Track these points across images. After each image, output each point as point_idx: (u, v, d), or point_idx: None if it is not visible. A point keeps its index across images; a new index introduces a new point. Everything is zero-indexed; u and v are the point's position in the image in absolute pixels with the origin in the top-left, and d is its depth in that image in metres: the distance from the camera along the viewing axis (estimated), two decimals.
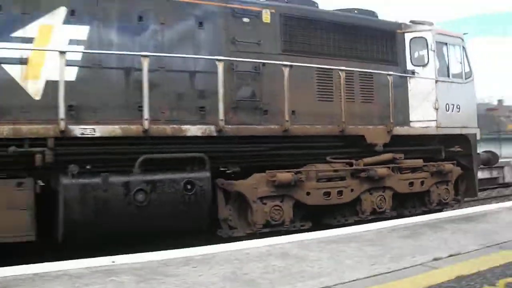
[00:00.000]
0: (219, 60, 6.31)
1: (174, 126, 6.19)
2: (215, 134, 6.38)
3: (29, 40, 5.60)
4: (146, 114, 5.80)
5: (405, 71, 8.57)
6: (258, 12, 7.10)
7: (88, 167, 5.68)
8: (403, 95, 8.47)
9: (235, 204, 6.92)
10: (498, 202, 11.02)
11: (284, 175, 6.80)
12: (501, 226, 5.66)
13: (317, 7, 8.21)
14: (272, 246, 4.75)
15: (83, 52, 5.83)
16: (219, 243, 5.10)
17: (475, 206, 8.35)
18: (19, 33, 5.54)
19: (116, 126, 5.81)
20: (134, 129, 5.87)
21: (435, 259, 4.09)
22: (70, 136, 5.54)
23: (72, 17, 5.83)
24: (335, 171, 7.46)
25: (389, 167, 7.87)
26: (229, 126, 6.47)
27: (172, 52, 6.35)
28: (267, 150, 6.90)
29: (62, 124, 5.38)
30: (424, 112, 8.54)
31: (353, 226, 6.06)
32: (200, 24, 6.69)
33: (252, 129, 6.78)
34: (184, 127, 6.23)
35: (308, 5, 7.97)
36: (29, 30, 5.58)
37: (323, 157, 7.47)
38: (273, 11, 7.21)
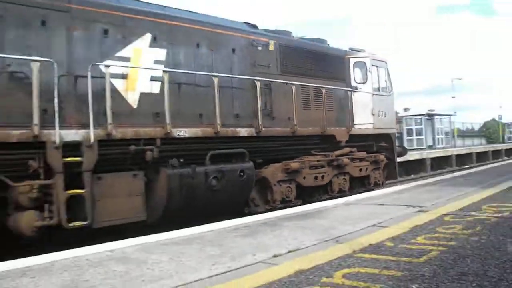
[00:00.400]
0: (257, 80, 9.70)
1: (232, 128, 9.29)
2: (254, 134, 9.68)
3: (127, 59, 7.83)
4: (218, 119, 8.77)
5: (350, 87, 12.56)
6: (267, 43, 10.44)
7: (181, 160, 8.28)
8: (349, 105, 12.49)
9: (257, 187, 9.97)
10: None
11: (295, 164, 10.40)
12: (337, 221, 6.54)
13: (328, 44, 12.69)
14: (112, 251, 5.02)
15: (182, 72, 8.54)
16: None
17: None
18: (120, 54, 7.75)
19: (198, 129, 8.64)
20: (209, 131, 8.76)
21: (275, 256, 4.59)
22: (171, 137, 8.07)
23: (154, 42, 8.23)
24: (318, 161, 11.23)
25: (348, 158, 11.95)
26: (264, 128, 9.77)
27: (218, 73, 9.03)
28: (280, 146, 10.47)
29: (168, 127, 7.96)
30: (364, 117, 12.65)
31: (193, 227, 6.39)
32: (233, 51, 9.70)
33: (274, 131, 10.21)
34: (238, 129, 9.38)
35: (319, 43, 12.31)
36: (126, 51, 7.83)
37: (309, 151, 11.31)
38: (275, 41, 10.57)
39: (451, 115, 44.31)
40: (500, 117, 58.95)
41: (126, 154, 7.59)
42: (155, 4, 8.77)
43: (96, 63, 7.21)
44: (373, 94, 12.88)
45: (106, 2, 7.78)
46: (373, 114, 12.80)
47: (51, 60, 6.59)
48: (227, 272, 4.07)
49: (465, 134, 49.57)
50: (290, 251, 4.76)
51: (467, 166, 29.05)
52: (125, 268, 4.28)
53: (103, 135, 7.26)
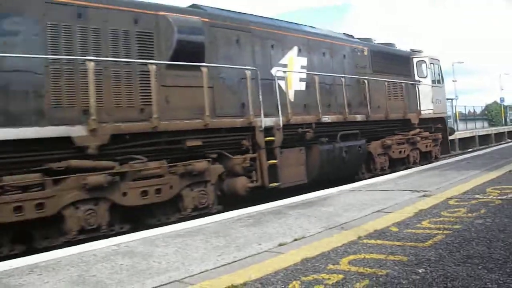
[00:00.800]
0: (365, 79, 12.89)
1: (352, 115, 12.22)
2: (365, 119, 12.82)
3: (285, 65, 10.62)
4: (346, 108, 11.91)
5: (414, 81, 15.63)
6: (363, 49, 13.46)
7: (326, 139, 11.31)
8: (416, 95, 15.37)
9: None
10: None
11: (389, 141, 13.70)
12: (342, 208, 6.57)
13: (395, 46, 15.90)
14: (118, 245, 5.04)
15: (323, 75, 11.59)
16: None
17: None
18: (281, 61, 10.59)
19: (334, 116, 11.72)
20: (341, 117, 11.84)
21: (281, 245, 4.62)
22: (320, 122, 11.04)
23: (299, 53, 11.09)
24: (401, 139, 14.35)
25: (420, 136, 15.03)
26: (372, 115, 13.04)
27: (336, 73, 12.05)
28: (377, 128, 13.65)
29: (320, 115, 11.00)
30: (426, 105, 15.72)
31: (198, 219, 6.43)
32: (344, 56, 12.69)
33: (376, 116, 13.25)
34: (355, 115, 12.49)
35: (390, 46, 15.54)
36: (284, 60, 10.69)
37: (394, 131, 14.36)
38: (368, 48, 13.66)
39: (453, 99, 44.23)
40: (502, 99, 58.76)
41: (294, 135, 10.61)
42: (295, 23, 12.08)
43: (277, 68, 10.43)
44: (432, 86, 16.14)
45: (272, 23, 11.01)
46: (432, 102, 16.06)
47: (255, 68, 9.49)
48: (233, 262, 4.10)
49: (467, 117, 49.51)
50: (295, 240, 4.79)
51: (470, 150, 29.04)
52: (131, 262, 4.31)
53: (285, 121, 10.13)
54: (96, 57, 7.21)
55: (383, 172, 12.99)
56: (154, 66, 7.73)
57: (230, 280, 3.55)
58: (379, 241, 4.46)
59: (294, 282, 3.43)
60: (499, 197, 6.38)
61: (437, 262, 3.63)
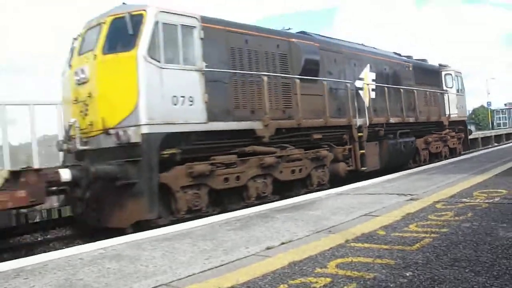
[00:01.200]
0: (416, 89, 16.36)
1: (405, 118, 15.45)
2: (414, 121, 16.12)
3: (362, 79, 13.45)
4: (404, 113, 15.30)
5: (443, 90, 18.95)
6: (408, 65, 16.58)
7: (392, 135, 14.42)
8: (445, 102, 18.81)
9: None
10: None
11: (430, 139, 17.22)
12: (330, 211, 6.60)
13: (427, 62, 19.35)
14: (105, 249, 5.03)
15: (389, 86, 15.03)
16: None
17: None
18: (360, 76, 13.40)
19: (396, 118, 14.88)
20: (400, 119, 14.91)
21: (268, 248, 4.62)
22: (388, 122, 14.16)
23: (370, 69, 13.90)
24: (436, 137, 17.80)
25: (449, 135, 18.67)
26: (419, 117, 16.54)
27: (393, 85, 15.26)
28: (421, 128, 16.97)
29: (389, 117, 14.20)
30: (452, 110, 19.12)
31: (185, 223, 6.42)
32: (395, 72, 15.55)
33: (422, 118, 16.66)
34: (408, 118, 15.55)
35: (424, 62, 18.90)
36: (362, 74, 13.48)
37: (431, 131, 17.56)
38: (412, 64, 16.87)
39: None
40: (489, 103, 59.46)
41: (371, 132, 13.49)
42: (366, 45, 15.30)
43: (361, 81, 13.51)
44: (456, 94, 19.71)
45: (354, 46, 14.20)
46: (457, 108, 19.62)
47: (351, 81, 12.90)
48: (220, 266, 4.09)
49: None
50: (283, 243, 4.79)
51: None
52: (118, 266, 4.29)
53: (369, 121, 13.24)
54: (253, 71, 9.90)
55: (426, 163, 16.24)
56: (298, 80, 10.89)
57: (218, 284, 3.55)
58: (366, 245, 4.48)
59: (281, 286, 3.43)
60: (486, 201, 6.45)
61: (425, 266, 3.66)
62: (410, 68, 16.55)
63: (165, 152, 8.00)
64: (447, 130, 18.60)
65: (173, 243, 5.14)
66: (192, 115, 8.48)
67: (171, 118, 8.13)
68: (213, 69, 8.89)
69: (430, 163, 15.35)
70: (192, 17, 8.86)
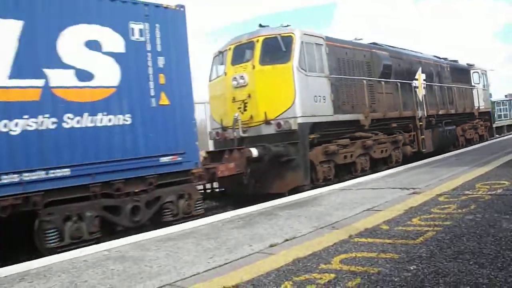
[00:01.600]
0: (455, 86, 19.73)
1: (449, 110, 18.58)
2: (455, 112, 19.18)
3: (416, 79, 16.20)
4: (448, 105, 18.72)
5: (471, 86, 22.01)
6: (447, 66, 19.53)
7: (440, 124, 17.67)
8: (474, 96, 21.91)
9: None
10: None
11: (465, 127, 20.51)
12: (332, 207, 6.60)
13: (459, 62, 21.96)
14: (109, 250, 5.04)
15: (438, 85, 18.38)
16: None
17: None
18: (416, 77, 16.13)
19: (443, 110, 18.08)
20: (445, 111, 18.27)
21: (272, 246, 4.63)
22: (438, 114, 17.38)
23: (422, 70, 16.61)
24: (469, 125, 20.96)
25: (478, 124, 21.91)
26: (458, 109, 19.79)
27: (437, 84, 18.44)
28: (457, 118, 19.62)
29: (438, 109, 17.58)
30: (479, 103, 22.11)
31: (188, 222, 6.43)
32: (438, 72, 18.45)
33: (460, 110, 19.75)
34: (450, 110, 18.80)
35: (456, 62, 21.54)
36: (416, 75, 16.17)
37: (465, 121, 20.59)
38: (449, 65, 19.84)
39: None
40: (490, 95, 59.29)
41: (426, 122, 16.11)
42: (417, 51, 17.96)
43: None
44: (482, 89, 22.90)
45: (409, 53, 16.87)
46: (483, 101, 22.82)
47: (412, 81, 15.85)
48: (225, 264, 4.10)
49: None
50: (286, 240, 4.80)
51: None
52: (122, 267, 4.30)
53: (426, 113, 16.21)
54: (347, 75, 12.44)
55: (462, 147, 18.94)
56: (383, 82, 13.94)
57: (222, 282, 3.55)
58: (370, 240, 4.48)
59: (286, 283, 3.43)
60: (488, 193, 6.44)
61: (429, 259, 3.66)
62: (448, 69, 19.62)
63: (310, 136, 10.79)
64: (477, 120, 21.88)
65: (177, 242, 5.15)
66: (325, 110, 11.38)
67: (314, 112, 10.95)
68: (334, 76, 11.84)
69: (467, 146, 18.93)
70: (320, 37, 11.81)
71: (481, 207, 5.51)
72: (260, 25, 11.73)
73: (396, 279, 3.28)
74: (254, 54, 10.96)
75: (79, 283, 3.90)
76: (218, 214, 6.94)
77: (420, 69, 16.61)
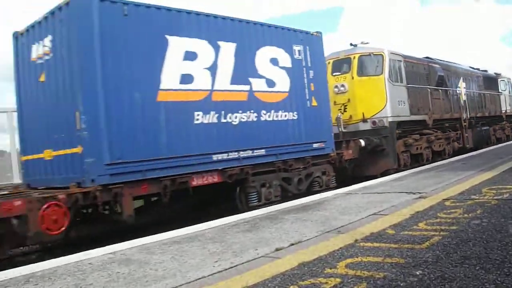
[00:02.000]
0: (489, 94, 23.74)
1: (484, 113, 22.18)
2: (488, 115, 22.71)
3: (459, 87, 19.60)
4: (484, 108, 22.51)
5: (498, 92, 25.33)
6: (480, 76, 22.95)
7: (477, 125, 20.89)
8: (501, 101, 25.37)
9: None
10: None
11: (495, 128, 23.70)
12: (338, 211, 6.58)
13: (488, 72, 25.08)
14: (114, 253, 5.05)
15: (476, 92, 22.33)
16: None
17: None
18: (459, 85, 19.58)
19: (480, 113, 21.49)
20: (482, 114, 21.91)
21: (277, 250, 4.62)
22: (476, 116, 20.87)
23: (463, 80, 19.98)
24: (498, 126, 24.17)
25: (506, 125, 25.46)
26: (489, 112, 23.39)
27: (475, 91, 22.08)
28: (489, 120, 22.82)
29: (477, 112, 21.11)
30: (505, 107, 25.62)
31: (194, 226, 6.42)
32: (474, 80, 21.90)
33: (492, 112, 23.44)
34: (485, 113, 22.41)
35: (486, 72, 24.70)
36: (459, 84, 19.49)
37: (496, 123, 23.88)
38: (483, 75, 23.31)
39: None
40: None
41: (465, 122, 18.87)
42: (457, 63, 20.94)
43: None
44: (509, 95, 26.33)
45: (453, 65, 19.93)
46: (509, 105, 26.20)
47: (456, 89, 19.16)
48: (230, 268, 4.09)
49: None
50: (292, 244, 4.79)
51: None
52: (128, 270, 4.31)
53: (468, 115, 19.48)
54: (415, 85, 15.24)
55: (493, 144, 21.73)
56: (440, 90, 17.33)
57: (227, 286, 3.55)
58: (376, 244, 4.46)
59: (291, 287, 3.43)
60: (495, 197, 6.41)
61: (435, 264, 3.64)
62: (480, 77, 22.73)
63: (396, 132, 13.91)
64: (504, 122, 25.18)
65: (182, 246, 5.15)
66: (404, 111, 14.53)
67: (398, 113, 14.08)
68: (409, 85, 14.88)
69: (496, 144, 21.82)
70: (400, 55, 14.90)
71: (488, 212, 5.48)
72: (351, 44, 14.70)
73: (402, 284, 3.26)
74: (352, 67, 14.07)
75: (84, 286, 3.91)
76: (223, 218, 6.92)
77: (461, 79, 19.83)
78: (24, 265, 4.95)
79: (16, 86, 8.97)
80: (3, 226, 6.40)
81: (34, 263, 5.18)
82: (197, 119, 8.71)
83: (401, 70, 14.66)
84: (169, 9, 8.61)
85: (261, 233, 5.56)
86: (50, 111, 7.98)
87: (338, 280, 3.48)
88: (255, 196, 9.62)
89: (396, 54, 14.70)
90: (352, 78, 13.93)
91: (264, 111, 9.94)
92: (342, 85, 13.90)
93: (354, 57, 14.13)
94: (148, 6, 8.30)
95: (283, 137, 10.34)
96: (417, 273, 3.47)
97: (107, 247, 5.50)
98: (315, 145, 11.15)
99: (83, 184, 7.14)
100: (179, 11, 8.77)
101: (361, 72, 14.01)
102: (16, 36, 8.96)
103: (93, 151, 7.22)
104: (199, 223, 6.63)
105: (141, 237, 5.91)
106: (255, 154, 9.66)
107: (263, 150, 9.77)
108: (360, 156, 13.01)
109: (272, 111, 10.14)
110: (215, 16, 9.44)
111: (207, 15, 9.27)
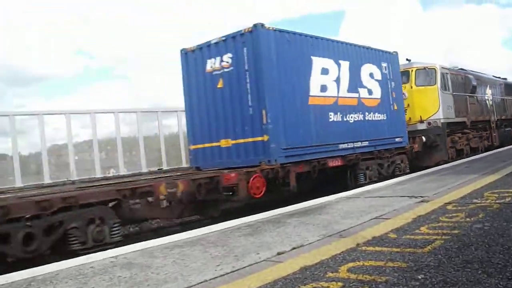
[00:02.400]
0: (508, 98, 26.96)
1: (507, 117, 25.80)
2: (510, 117, 26.80)
3: (486, 94, 23.10)
4: (508, 111, 26.31)
5: None
6: (502, 83, 26.05)
7: (502, 126, 24.52)
8: None
9: None
10: None
11: None
12: (340, 215, 6.57)
13: (507, 79, 28.14)
14: (116, 257, 5.05)
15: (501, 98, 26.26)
16: None
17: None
18: (486, 92, 23.07)
19: (503, 116, 25.12)
20: (505, 117, 25.37)
21: (279, 253, 4.61)
22: (501, 119, 24.63)
23: (489, 88, 23.63)
24: None
25: None
26: None
27: (498, 97, 25.23)
28: (509, 121, 26.27)
29: (502, 115, 24.78)
30: None
31: (196, 230, 6.44)
32: (497, 87, 24.96)
33: (508, 116, 26.82)
34: (506, 117, 26.05)
35: (505, 79, 27.62)
36: (486, 91, 23.05)
37: None
38: (503, 83, 26.40)
39: None
40: None
41: (493, 124, 22.69)
42: (483, 73, 24.03)
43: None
44: None
45: (481, 75, 23.09)
46: None
47: (485, 95, 22.65)
48: (232, 272, 4.08)
49: None
50: (294, 248, 4.78)
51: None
52: (129, 274, 4.30)
53: (495, 118, 23.07)
54: (456, 93, 18.66)
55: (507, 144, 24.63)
56: (475, 96, 20.89)
57: None
58: (377, 248, 4.46)
59: None
60: (497, 201, 6.40)
61: (437, 268, 3.64)
62: (502, 85, 25.76)
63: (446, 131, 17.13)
64: None
65: (184, 250, 5.15)
66: (451, 114, 17.85)
67: (447, 115, 17.46)
68: (454, 93, 18.25)
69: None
70: (446, 68, 18.50)
71: (490, 216, 5.47)
72: (407, 59, 17.87)
73: None
74: (410, 79, 17.34)
75: None
76: (225, 222, 6.93)
77: (488, 86, 23.06)
78: (25, 269, 4.95)
79: (184, 91, 11.70)
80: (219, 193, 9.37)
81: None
82: (330, 118, 11.67)
83: (448, 81, 18.07)
84: (311, 36, 11.51)
85: (263, 237, 5.55)
86: (229, 110, 10.65)
87: (340, 284, 3.48)
88: (363, 176, 12.51)
89: (444, 68, 18.28)
90: (411, 87, 17.25)
91: (367, 113, 12.97)
92: (403, 93, 16.11)
93: (412, 70, 17.48)
94: (300, 34, 11.16)
95: (378, 133, 13.40)
96: (419, 277, 3.46)
97: (108, 250, 5.51)
98: (396, 139, 14.31)
99: (268, 163, 9.96)
100: (317, 37, 11.69)
101: (418, 82, 17.38)
102: (185, 52, 11.57)
103: (275, 139, 10.07)
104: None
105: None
106: (362, 145, 12.68)
107: (367, 142, 12.83)
108: (420, 150, 16.32)
109: (372, 113, 13.24)
110: (337, 41, 12.50)
111: (332, 41, 12.32)
